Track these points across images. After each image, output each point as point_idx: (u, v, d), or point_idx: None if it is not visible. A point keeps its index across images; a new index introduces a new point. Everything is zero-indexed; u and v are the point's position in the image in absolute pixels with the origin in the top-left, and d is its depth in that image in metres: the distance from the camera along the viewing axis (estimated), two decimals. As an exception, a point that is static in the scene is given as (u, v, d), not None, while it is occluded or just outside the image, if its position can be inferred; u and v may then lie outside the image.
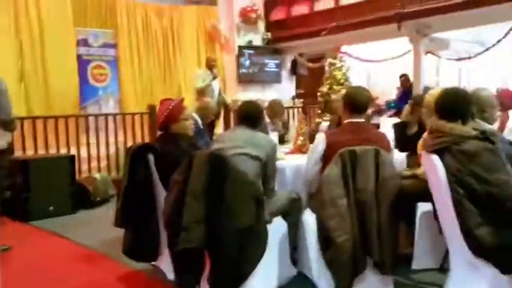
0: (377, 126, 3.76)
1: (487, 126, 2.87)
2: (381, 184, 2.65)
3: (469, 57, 8.72)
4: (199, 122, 4.78)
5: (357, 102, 2.96)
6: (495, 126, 3.77)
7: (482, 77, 9.12)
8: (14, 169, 4.92)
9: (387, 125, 4.31)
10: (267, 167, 2.91)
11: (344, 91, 5.51)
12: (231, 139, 2.97)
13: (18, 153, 5.61)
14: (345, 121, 3.01)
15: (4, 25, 6.66)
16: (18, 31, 6.81)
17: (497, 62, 9.07)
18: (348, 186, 2.67)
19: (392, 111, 8.35)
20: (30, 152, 5.79)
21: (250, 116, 3.03)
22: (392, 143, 3.22)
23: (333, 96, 5.15)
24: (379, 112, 8.32)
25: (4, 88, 3.68)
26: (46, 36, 7.01)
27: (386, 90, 8.90)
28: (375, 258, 2.60)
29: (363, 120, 2.99)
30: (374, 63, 9.23)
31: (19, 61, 6.82)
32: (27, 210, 4.85)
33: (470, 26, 7.73)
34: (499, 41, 7.46)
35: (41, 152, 5.86)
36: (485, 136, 2.36)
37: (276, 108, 5.01)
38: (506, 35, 7.25)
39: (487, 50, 7.90)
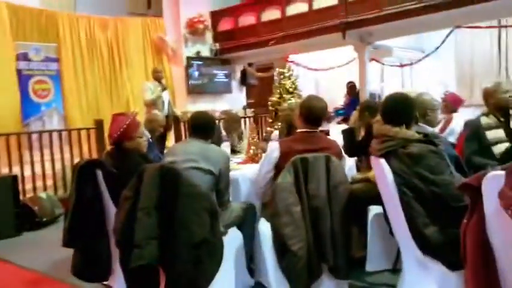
0: (327, 133, 3.82)
1: (429, 129, 2.99)
2: (333, 190, 2.70)
3: (411, 64, 9.12)
4: (148, 135, 4.69)
5: (313, 113, 2.99)
6: (437, 128, 3.94)
7: (424, 81, 9.54)
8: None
9: (335, 132, 4.41)
10: (220, 180, 2.89)
11: (293, 100, 5.61)
12: (183, 152, 2.92)
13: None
14: (299, 130, 3.04)
15: None
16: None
17: (436, 67, 9.54)
18: (301, 193, 2.70)
19: (340, 118, 8.56)
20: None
21: (202, 126, 3.01)
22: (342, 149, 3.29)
23: (284, 105, 5.22)
24: (328, 119, 8.50)
25: None
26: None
27: (334, 97, 9.11)
28: (330, 263, 2.63)
29: (317, 130, 3.03)
30: (322, 71, 9.44)
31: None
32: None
33: (411, 34, 8.09)
34: (437, 48, 7.86)
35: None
36: (428, 139, 2.45)
37: (232, 121, 4.95)
38: (443, 41, 7.65)
39: (427, 56, 8.29)
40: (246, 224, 3.05)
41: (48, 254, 3.93)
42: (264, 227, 2.92)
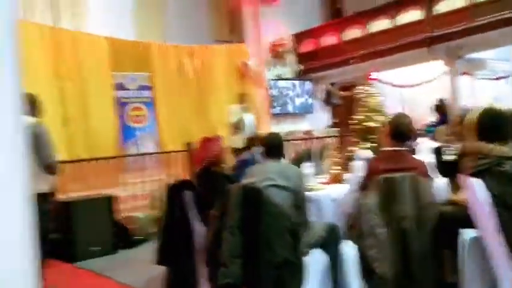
0: (412, 151, 3.68)
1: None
2: (421, 211, 2.59)
3: (507, 76, 8.52)
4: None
5: (401, 130, 2.92)
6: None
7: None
8: (58, 211, 5.07)
9: (423, 150, 4.22)
10: (298, 198, 2.91)
11: (381, 118, 5.47)
12: (261, 172, 2.99)
13: (62, 195, 5.80)
14: (385, 149, 2.98)
15: (46, 73, 7.01)
16: (60, 78, 7.14)
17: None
18: (387, 214, 2.62)
19: (431, 136, 8.17)
20: (73, 194, 5.98)
21: (276, 147, 3.09)
22: (434, 168, 3.15)
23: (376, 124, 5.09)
24: (414, 137, 8.17)
25: (43, 131, 3.67)
26: (86, 81, 7.33)
27: (421, 114, 8.75)
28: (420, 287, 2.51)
29: (405, 148, 2.95)
30: (407, 88, 9.14)
31: (62, 107, 7.12)
32: (72, 251, 4.96)
33: (504, 45, 7.59)
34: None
35: (85, 193, 6.05)
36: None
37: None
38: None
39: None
40: (329, 245, 3.01)
41: (142, 271, 4.15)
42: (349, 249, 2.87)
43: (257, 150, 4.64)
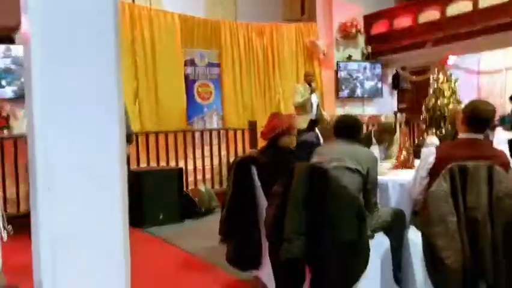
0: (489, 142, 3.51)
1: None
2: (496, 202, 2.48)
3: None
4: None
5: (479, 117, 2.78)
6: None
7: None
8: (130, 180, 5.35)
9: (498, 141, 4.01)
10: (368, 181, 2.87)
11: (455, 105, 5.25)
12: (330, 152, 2.97)
13: (133, 166, 6.12)
14: (461, 135, 2.86)
15: (122, 47, 7.30)
16: (134, 53, 7.43)
17: None
18: (457, 203, 2.53)
19: (506, 127, 7.71)
20: (143, 165, 6.28)
21: (348, 128, 3.03)
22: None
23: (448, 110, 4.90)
24: (492, 127, 7.75)
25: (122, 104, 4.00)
26: (158, 58, 7.57)
27: (498, 103, 8.26)
28: (490, 281, 2.43)
29: (482, 137, 2.82)
30: (484, 74, 8.64)
31: (134, 82, 7.43)
32: (140, 217, 5.24)
33: None
34: None
35: (153, 164, 6.33)
36: None
37: (385, 133, 4.69)
38: None
39: None
40: (394, 231, 2.97)
41: (207, 241, 4.32)
42: (414, 236, 2.81)
43: (317, 133, 4.63)
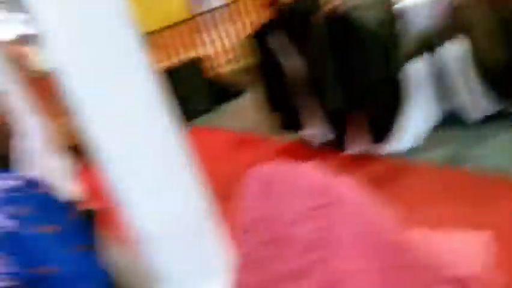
0: None
1: None
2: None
3: None
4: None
5: None
6: None
7: None
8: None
9: None
10: (387, 13, 2.76)
11: None
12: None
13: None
14: None
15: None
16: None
17: None
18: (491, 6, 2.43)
19: None
20: (161, 64, 6.26)
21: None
22: None
23: None
24: None
25: None
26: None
27: None
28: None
29: None
30: None
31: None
32: (178, 115, 5.37)
33: None
34: None
35: (171, 61, 6.30)
36: None
37: None
38: None
39: None
40: (427, 52, 2.92)
41: (246, 117, 4.45)
42: (452, 51, 2.75)
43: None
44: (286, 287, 0.77)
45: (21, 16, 5.93)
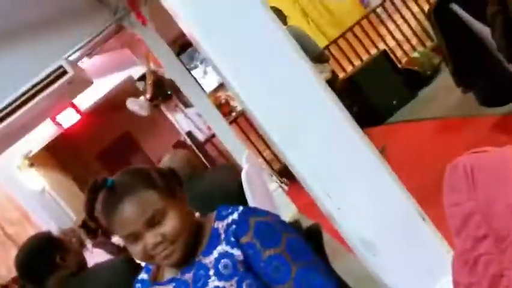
0: None
1: None
2: None
3: None
4: None
5: None
6: None
7: None
8: (347, 88, 5.42)
9: None
10: None
11: None
12: None
13: (341, 75, 6.20)
14: None
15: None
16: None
17: None
18: None
19: None
20: (349, 68, 6.31)
21: None
22: None
23: None
24: None
25: (297, 31, 4.07)
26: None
27: None
28: None
29: None
30: None
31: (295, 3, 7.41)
32: (375, 115, 5.27)
33: None
34: None
35: (357, 62, 6.30)
36: None
37: None
38: None
39: None
40: None
41: (448, 100, 4.12)
42: None
43: None
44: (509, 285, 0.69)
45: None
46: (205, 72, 6.95)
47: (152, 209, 1.09)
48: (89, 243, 4.21)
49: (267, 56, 1.11)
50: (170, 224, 1.09)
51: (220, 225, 1.15)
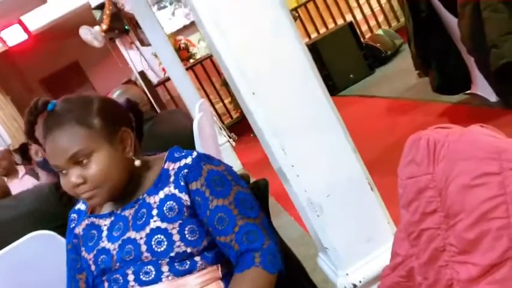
0: None
1: None
2: None
3: None
4: None
5: None
6: None
7: None
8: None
9: None
10: None
11: None
12: None
13: (305, 40, 6.16)
14: None
15: None
16: None
17: None
18: None
19: None
20: (314, 35, 6.28)
21: None
22: None
23: None
24: None
25: None
26: None
27: None
28: None
29: None
30: None
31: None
32: (331, 85, 5.33)
33: None
34: None
35: (322, 30, 6.27)
36: None
37: None
38: None
39: None
40: None
41: (404, 81, 4.21)
42: None
43: None
44: (454, 257, 0.71)
45: (184, 10, 6.54)
46: (173, 14, 6.67)
47: (76, 148, 1.03)
48: (21, 171, 4.04)
49: (249, 2, 1.06)
50: (94, 168, 1.04)
51: (171, 167, 1.11)
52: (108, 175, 1.05)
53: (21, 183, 3.71)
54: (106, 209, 1.16)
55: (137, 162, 1.11)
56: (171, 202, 1.07)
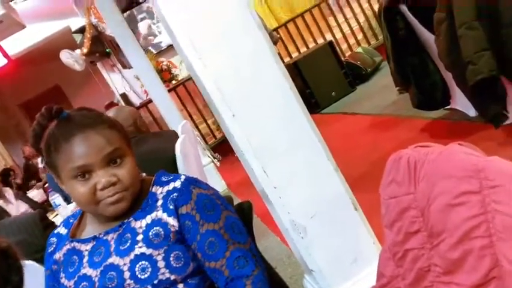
0: None
1: None
2: None
3: None
4: None
5: None
6: None
7: None
8: (291, 75, 5.47)
9: None
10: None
11: None
12: None
13: (286, 60, 6.23)
14: None
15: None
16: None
17: None
18: None
19: None
20: (295, 54, 6.34)
21: None
22: None
23: None
24: None
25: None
26: None
27: None
28: None
29: None
30: None
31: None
32: (313, 103, 5.37)
33: None
34: None
35: (303, 49, 6.34)
36: None
37: None
38: None
39: None
40: None
41: (385, 98, 4.26)
42: None
43: None
44: (438, 278, 0.71)
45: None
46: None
47: (113, 146, 1.03)
48: (10, 195, 3.98)
49: (226, 26, 1.06)
50: (127, 168, 1.04)
51: (159, 191, 1.09)
52: (135, 180, 1.07)
53: (18, 210, 3.71)
54: (89, 232, 1.13)
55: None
56: (157, 228, 1.05)
